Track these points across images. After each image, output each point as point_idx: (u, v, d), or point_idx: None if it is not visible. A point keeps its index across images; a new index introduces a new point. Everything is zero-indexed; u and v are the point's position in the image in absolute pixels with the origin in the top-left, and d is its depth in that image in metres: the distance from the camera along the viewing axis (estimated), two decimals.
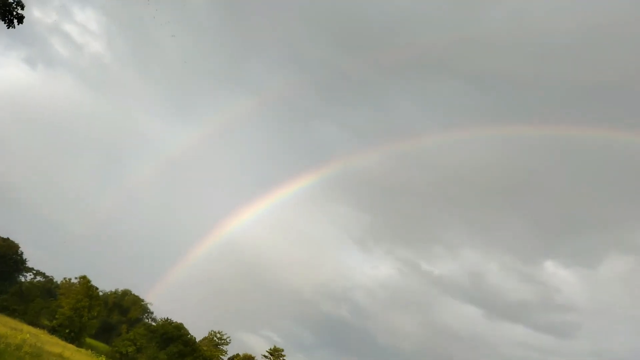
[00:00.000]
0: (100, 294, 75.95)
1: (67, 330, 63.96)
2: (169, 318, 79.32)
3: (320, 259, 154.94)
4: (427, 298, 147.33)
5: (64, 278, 77.87)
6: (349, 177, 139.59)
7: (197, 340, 79.17)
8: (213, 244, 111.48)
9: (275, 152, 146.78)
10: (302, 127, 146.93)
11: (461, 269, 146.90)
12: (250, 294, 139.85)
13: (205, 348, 76.44)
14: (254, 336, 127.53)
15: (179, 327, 75.59)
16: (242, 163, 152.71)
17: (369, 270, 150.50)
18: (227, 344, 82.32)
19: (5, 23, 15.71)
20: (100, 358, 53.04)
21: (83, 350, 55.32)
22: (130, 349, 67.17)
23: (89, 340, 70.35)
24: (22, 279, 79.40)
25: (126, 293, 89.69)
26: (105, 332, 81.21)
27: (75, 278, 72.97)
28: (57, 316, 65.32)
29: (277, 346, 78.78)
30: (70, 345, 54.28)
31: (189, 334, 77.09)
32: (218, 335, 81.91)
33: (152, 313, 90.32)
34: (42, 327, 64.53)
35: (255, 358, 78.69)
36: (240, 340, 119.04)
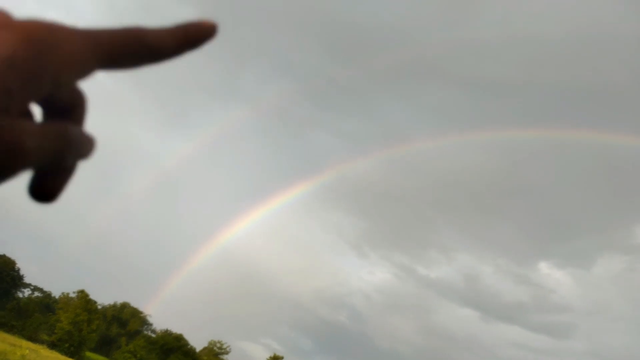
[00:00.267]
0: (99, 307, 75.97)
1: (66, 345, 63.97)
2: (169, 329, 79.55)
3: (317, 266, 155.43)
4: (424, 302, 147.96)
5: (62, 293, 77.75)
6: (343, 184, 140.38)
7: (197, 350, 79.27)
8: (210, 254, 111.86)
9: (270, 161, 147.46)
10: (296, 136, 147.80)
11: (456, 272, 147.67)
12: (248, 302, 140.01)
13: (205, 358, 76.59)
14: (253, 344, 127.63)
15: (179, 338, 75.73)
16: (237, 173, 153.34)
17: (365, 275, 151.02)
18: (227, 353, 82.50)
19: None
20: None
21: None
22: None
23: (88, 354, 70.35)
24: (20, 295, 79.32)
25: (125, 306, 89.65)
26: (105, 345, 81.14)
27: (74, 292, 72.97)
28: (56, 331, 65.34)
29: (277, 354, 79.03)
30: None
31: (189, 344, 77.22)
32: (218, 345, 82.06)
33: (151, 325, 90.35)
34: (41, 342, 64.47)
35: None
36: (240, 348, 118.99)
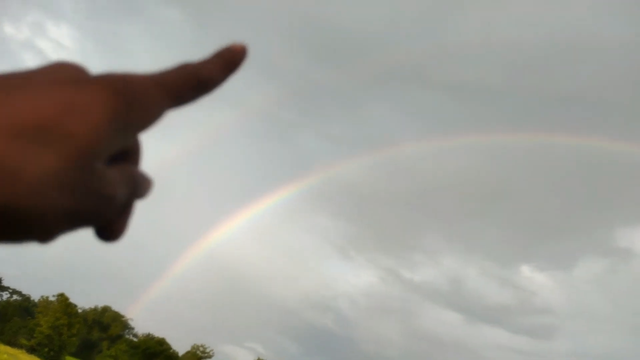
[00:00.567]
0: (80, 311, 74.85)
1: (46, 349, 62.92)
2: (151, 333, 78.58)
3: (303, 269, 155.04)
4: (409, 305, 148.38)
5: (42, 296, 76.37)
6: (329, 187, 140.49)
7: (180, 354, 78.47)
8: (194, 257, 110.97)
9: (256, 164, 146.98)
10: (282, 139, 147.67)
11: (441, 275, 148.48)
12: (233, 306, 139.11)
13: None
14: (238, 348, 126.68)
15: (161, 342, 74.93)
16: (223, 177, 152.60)
17: (351, 279, 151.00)
18: (210, 357, 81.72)
19: None
20: None
21: None
22: None
23: (69, 358, 69.23)
24: None
25: (106, 309, 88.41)
26: (86, 350, 79.91)
27: (53, 296, 71.76)
28: (35, 335, 64.22)
29: (262, 357, 78.62)
30: None
31: (172, 348, 76.42)
32: (201, 349, 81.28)
33: (133, 329, 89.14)
34: (20, 346, 63.33)
35: None
36: (224, 353, 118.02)
